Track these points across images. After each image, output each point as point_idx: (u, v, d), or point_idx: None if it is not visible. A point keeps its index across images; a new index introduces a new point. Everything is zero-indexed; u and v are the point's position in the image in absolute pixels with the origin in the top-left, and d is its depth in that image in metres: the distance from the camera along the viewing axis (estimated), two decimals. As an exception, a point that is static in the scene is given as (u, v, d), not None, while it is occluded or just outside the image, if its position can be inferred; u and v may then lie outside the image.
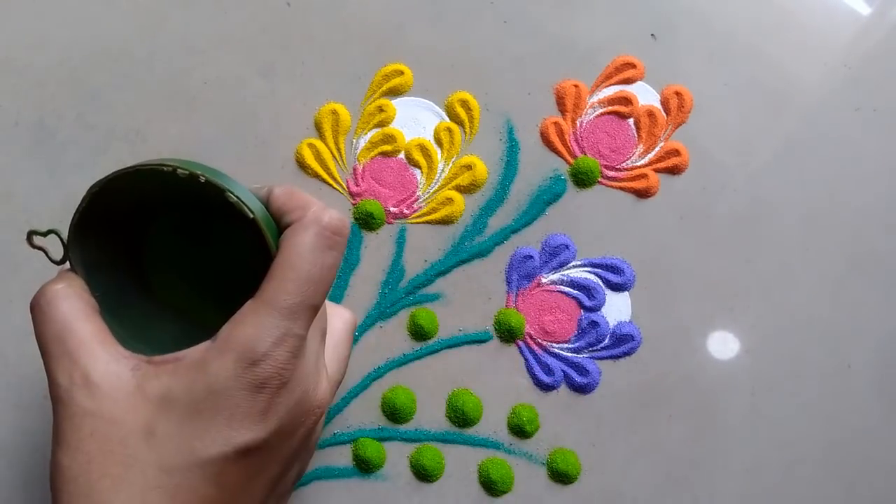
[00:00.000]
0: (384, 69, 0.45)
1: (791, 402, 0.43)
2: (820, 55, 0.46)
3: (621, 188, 0.44)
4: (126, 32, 0.45)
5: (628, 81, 0.45)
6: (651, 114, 0.45)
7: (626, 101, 0.45)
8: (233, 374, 0.24)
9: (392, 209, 0.44)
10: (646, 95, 0.45)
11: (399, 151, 0.45)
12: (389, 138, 0.44)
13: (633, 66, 0.45)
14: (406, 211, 0.44)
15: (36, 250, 0.27)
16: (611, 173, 0.45)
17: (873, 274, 0.44)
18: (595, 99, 0.45)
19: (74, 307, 0.26)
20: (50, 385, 0.26)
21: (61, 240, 0.27)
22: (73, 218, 0.26)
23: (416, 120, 0.45)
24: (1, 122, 0.44)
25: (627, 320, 0.43)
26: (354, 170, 0.45)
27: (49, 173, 0.44)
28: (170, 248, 0.30)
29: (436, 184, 0.44)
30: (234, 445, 0.24)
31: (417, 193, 0.44)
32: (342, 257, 0.28)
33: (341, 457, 0.42)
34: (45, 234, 0.27)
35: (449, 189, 0.44)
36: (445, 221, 0.44)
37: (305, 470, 0.32)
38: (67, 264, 0.27)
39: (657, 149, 0.45)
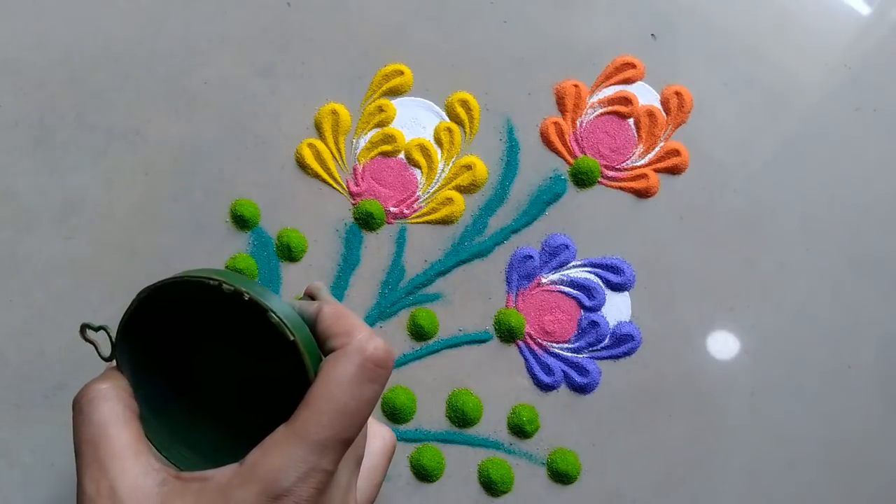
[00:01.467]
0: (384, 69, 0.45)
1: (791, 402, 0.43)
2: (820, 55, 0.46)
3: (621, 188, 0.44)
4: (126, 33, 0.45)
5: (628, 81, 0.45)
6: (651, 114, 0.45)
7: (626, 101, 0.45)
8: None
9: (392, 209, 0.44)
10: (646, 95, 0.45)
11: (399, 151, 0.45)
12: (389, 138, 0.44)
13: (633, 66, 0.45)
14: (406, 211, 0.44)
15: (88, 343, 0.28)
16: (611, 173, 0.45)
17: (873, 274, 0.44)
18: (595, 99, 0.45)
19: (114, 411, 0.26)
20: (77, 490, 0.25)
21: (110, 338, 0.27)
22: (121, 320, 0.27)
23: (416, 120, 0.45)
24: (1, 122, 0.44)
25: (627, 320, 0.43)
26: (354, 170, 0.44)
27: (49, 173, 0.44)
28: (216, 354, 0.30)
29: (436, 184, 0.44)
30: None
31: (417, 193, 0.44)
32: (383, 390, 0.27)
33: (341, 457, 0.42)
34: (96, 330, 0.28)
35: (449, 189, 0.44)
36: (445, 221, 0.44)
37: None
38: (114, 362, 0.28)
39: (657, 149, 0.45)
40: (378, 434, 0.33)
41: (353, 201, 0.44)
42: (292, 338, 0.25)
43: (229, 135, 0.45)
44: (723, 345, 0.43)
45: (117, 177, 0.44)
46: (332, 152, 0.45)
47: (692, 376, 0.43)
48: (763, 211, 0.44)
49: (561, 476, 0.42)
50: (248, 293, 0.25)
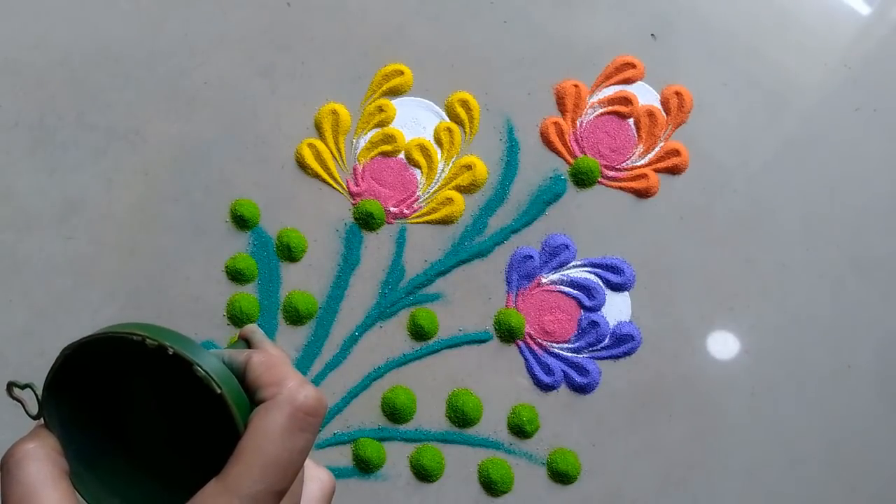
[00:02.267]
0: (384, 69, 0.45)
1: (791, 401, 0.43)
2: (820, 55, 0.46)
3: (621, 188, 0.44)
4: (126, 33, 0.45)
5: (628, 81, 0.45)
6: (651, 114, 0.45)
7: (626, 101, 0.45)
8: None
9: (392, 209, 0.44)
10: (646, 95, 0.45)
11: (399, 151, 0.45)
12: (389, 138, 0.44)
13: (633, 66, 0.45)
14: (406, 211, 0.44)
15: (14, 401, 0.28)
16: (611, 173, 0.45)
17: (873, 274, 0.44)
18: (595, 99, 0.45)
19: (42, 471, 0.25)
20: None
21: (36, 396, 0.27)
22: (46, 377, 0.27)
23: (416, 120, 0.45)
24: (1, 122, 0.44)
25: (627, 320, 0.43)
26: (354, 170, 0.44)
27: (49, 173, 0.44)
28: (146, 408, 0.30)
29: (436, 184, 0.44)
30: None
31: (417, 193, 0.44)
32: (315, 438, 0.27)
33: (341, 457, 0.42)
34: (22, 388, 0.28)
35: (449, 189, 0.44)
36: (445, 221, 0.44)
37: None
38: (42, 419, 0.28)
39: (657, 149, 0.45)
40: (315, 477, 0.33)
41: (353, 201, 0.44)
42: (219, 391, 0.25)
43: (229, 135, 0.45)
44: (723, 345, 0.43)
45: (117, 177, 0.44)
46: (332, 152, 0.45)
47: (692, 376, 0.43)
48: (763, 211, 0.44)
49: (561, 476, 0.42)
50: (171, 347, 0.25)
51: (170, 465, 0.31)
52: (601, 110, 0.45)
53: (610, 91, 0.45)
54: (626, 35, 0.45)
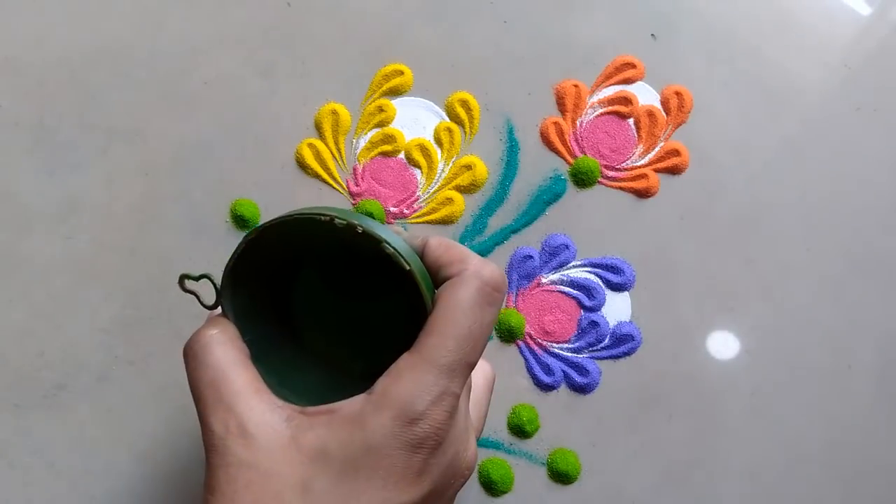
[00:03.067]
0: (384, 69, 0.45)
1: (791, 402, 0.43)
2: (820, 55, 0.46)
3: (621, 188, 0.44)
4: (126, 32, 0.45)
5: (628, 81, 0.45)
6: (651, 114, 0.45)
7: (626, 100, 0.45)
8: (390, 433, 0.23)
9: (392, 209, 0.44)
10: (646, 95, 0.45)
11: (399, 151, 0.45)
12: (389, 138, 0.44)
13: (633, 65, 0.45)
14: (406, 211, 0.44)
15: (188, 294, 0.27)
16: (611, 173, 0.45)
17: (874, 274, 0.44)
18: (595, 99, 0.45)
19: (229, 354, 0.26)
20: (204, 431, 0.25)
21: (214, 285, 0.27)
22: (227, 264, 0.26)
23: (416, 120, 0.45)
24: (1, 122, 0.44)
25: (627, 320, 0.43)
26: (354, 170, 0.44)
27: (49, 173, 0.44)
28: (317, 296, 0.30)
29: (436, 184, 0.44)
30: None
31: (417, 193, 0.44)
32: (499, 313, 0.27)
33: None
34: (197, 279, 0.27)
35: (449, 189, 0.44)
36: (445, 221, 0.44)
37: None
38: (219, 308, 0.27)
39: (657, 149, 0.45)
40: (479, 367, 0.33)
41: (353, 201, 0.44)
42: (408, 267, 0.25)
43: (229, 135, 0.45)
44: (723, 345, 0.43)
45: (117, 177, 0.44)
46: (332, 152, 0.45)
47: (692, 376, 0.43)
48: (763, 211, 0.44)
49: (561, 476, 0.42)
50: (360, 226, 0.24)
51: (343, 352, 0.30)
52: (601, 110, 0.45)
53: (610, 91, 0.45)
54: (626, 35, 0.45)
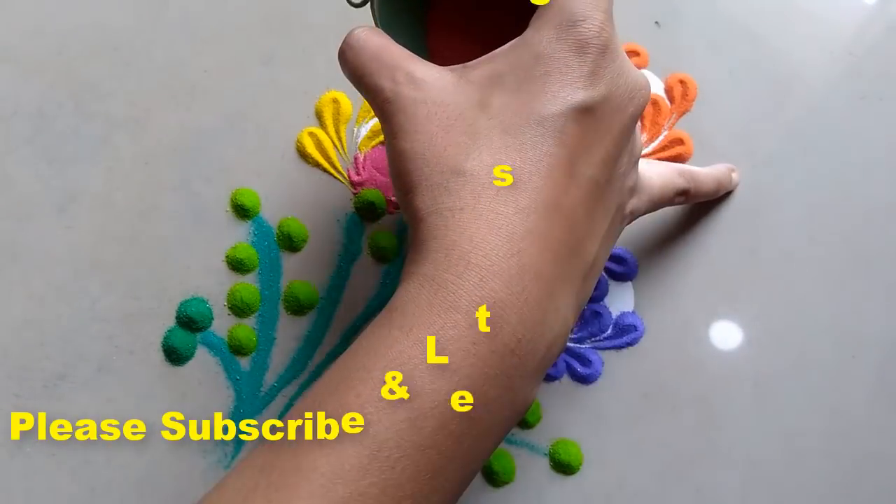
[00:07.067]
0: (385, 57, 0.45)
1: (794, 392, 0.42)
2: (825, 43, 0.46)
3: (624, 177, 0.44)
4: (125, 21, 0.45)
5: (632, 70, 0.45)
6: (654, 102, 0.44)
7: (629, 89, 0.45)
8: (555, 37, 0.25)
9: (393, 198, 0.44)
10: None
11: (400, 140, 0.44)
12: (391, 127, 0.44)
13: (636, 53, 0.45)
14: (407, 200, 0.44)
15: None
16: (614, 162, 0.44)
17: (878, 264, 0.44)
18: (598, 87, 0.45)
19: (385, 37, 0.29)
20: (373, 97, 0.28)
21: None
22: None
23: (417, 108, 0.45)
24: None
25: (630, 310, 0.43)
26: (356, 159, 0.44)
27: (48, 162, 0.44)
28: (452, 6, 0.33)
29: (437, 173, 0.44)
30: (570, 104, 0.25)
31: (419, 183, 0.44)
32: None
33: (343, 447, 0.42)
34: None
35: (451, 178, 0.44)
36: (447, 211, 0.44)
37: (632, 203, 0.33)
38: (368, 4, 0.31)
39: (661, 138, 0.44)
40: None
41: (354, 191, 0.44)
42: None
43: (229, 123, 0.44)
44: (726, 335, 0.43)
45: (117, 166, 0.44)
46: (332, 141, 0.44)
47: (695, 367, 0.43)
48: (767, 200, 0.44)
49: (563, 466, 0.41)
50: None
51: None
52: (604, 99, 0.45)
53: (613, 79, 0.45)
54: (629, 22, 0.45)
